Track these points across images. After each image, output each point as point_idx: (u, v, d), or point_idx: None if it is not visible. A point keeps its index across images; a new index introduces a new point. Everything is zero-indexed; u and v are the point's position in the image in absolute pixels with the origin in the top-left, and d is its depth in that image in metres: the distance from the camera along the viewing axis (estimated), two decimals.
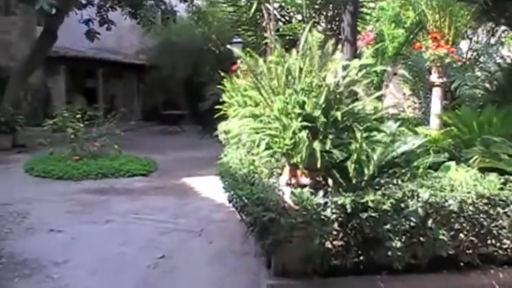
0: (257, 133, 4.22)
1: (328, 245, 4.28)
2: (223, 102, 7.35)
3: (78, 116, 11.73)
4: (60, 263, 5.38)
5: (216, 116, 7.63)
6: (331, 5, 11.77)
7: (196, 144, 15.97)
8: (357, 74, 4.37)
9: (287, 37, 11.51)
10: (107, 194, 8.83)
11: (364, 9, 12.24)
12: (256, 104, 4.52)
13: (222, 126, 7.41)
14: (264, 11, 11.21)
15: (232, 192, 4.56)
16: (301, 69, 4.28)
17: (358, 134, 4.09)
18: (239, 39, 13.72)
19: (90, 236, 6.41)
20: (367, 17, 12.85)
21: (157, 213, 7.53)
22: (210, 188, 8.56)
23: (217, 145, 8.22)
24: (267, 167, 5.19)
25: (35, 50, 16.03)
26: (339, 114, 4.06)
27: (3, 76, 15.81)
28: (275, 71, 4.44)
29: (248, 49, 5.86)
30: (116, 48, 24.18)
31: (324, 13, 12.10)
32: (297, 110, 4.06)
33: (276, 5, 12.45)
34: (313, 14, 11.84)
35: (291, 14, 13.23)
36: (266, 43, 11.36)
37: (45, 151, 12.03)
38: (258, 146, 4.18)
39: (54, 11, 12.57)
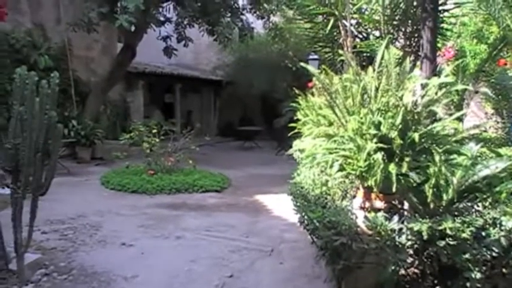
0: (331, 153, 4.08)
1: (402, 272, 4.07)
2: (298, 119, 7.23)
3: (154, 130, 11.90)
4: (129, 277, 5.39)
5: (291, 133, 7.54)
6: (410, 21, 11.47)
7: (270, 160, 15.93)
8: (436, 93, 4.17)
9: (364, 54, 11.30)
10: (180, 209, 8.85)
11: (444, 25, 11.86)
12: (330, 124, 4.40)
13: (296, 144, 7.30)
14: (341, 28, 11.02)
15: (303, 214, 4.43)
16: (377, 88, 4.13)
17: (437, 157, 3.88)
18: (316, 56, 13.60)
19: (160, 251, 6.42)
20: (448, 33, 12.45)
21: (228, 230, 7.47)
22: (282, 206, 8.45)
23: (292, 162, 8.10)
24: (340, 188, 5.04)
25: (115, 65, 16.49)
26: (416, 135, 3.87)
27: (84, 91, 16.33)
28: (350, 90, 4.30)
29: (324, 66, 5.74)
30: (194, 64, 24.63)
31: (403, 29, 11.80)
32: (372, 131, 3.90)
33: (353, 21, 12.25)
34: (391, 30, 11.56)
35: (369, 30, 13.00)
36: (343, 60, 11.20)
37: (121, 164, 12.28)
38: (331, 167, 4.04)
39: (133, 28, 12.89)
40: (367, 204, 4.17)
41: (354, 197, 4.58)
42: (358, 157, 3.92)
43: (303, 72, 18.03)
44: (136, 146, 12.30)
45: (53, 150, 4.97)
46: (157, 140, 11.70)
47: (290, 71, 20.26)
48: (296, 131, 7.10)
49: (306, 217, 4.36)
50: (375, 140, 3.87)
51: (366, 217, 3.97)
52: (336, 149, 4.09)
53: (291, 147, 8.28)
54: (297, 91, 8.02)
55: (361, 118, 4.00)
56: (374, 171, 3.84)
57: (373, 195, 4.14)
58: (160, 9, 15.69)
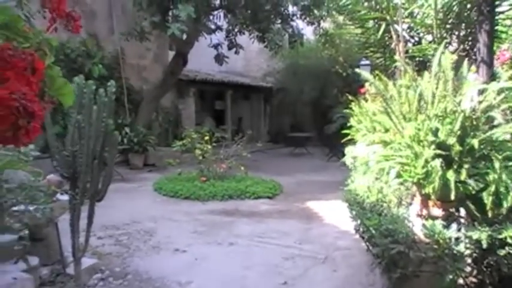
0: (387, 160, 4.03)
1: (460, 282, 3.98)
2: (351, 126, 7.17)
3: (207, 137, 12.00)
4: (183, 283, 5.44)
5: (342, 139, 7.49)
6: (463, 24, 11.23)
7: (321, 167, 15.86)
8: (494, 98, 4.06)
9: (416, 59, 11.13)
10: (232, 216, 8.89)
11: (499, 27, 11.56)
12: (386, 130, 4.33)
13: (349, 150, 7.23)
14: (393, 33, 10.88)
15: (359, 222, 4.39)
16: (434, 94, 4.05)
17: (497, 164, 3.78)
18: (367, 62, 13.48)
19: (213, 257, 6.45)
20: (503, 35, 12.14)
21: (281, 237, 7.45)
22: (334, 213, 8.40)
23: (343, 169, 8.03)
24: (396, 195, 4.96)
25: (167, 73, 16.74)
26: (475, 142, 3.78)
27: (137, 98, 16.63)
28: (406, 96, 4.24)
29: (377, 72, 5.68)
30: (244, 71, 24.77)
31: (456, 33, 11.57)
32: (430, 138, 3.83)
33: (405, 25, 12.08)
34: (444, 34, 11.36)
35: (421, 34, 12.80)
36: (395, 65, 11.05)
37: (173, 171, 12.44)
38: (388, 174, 3.99)
39: (184, 36, 13.06)
40: (425, 212, 4.09)
41: (410, 204, 4.50)
42: (415, 164, 3.86)
43: (354, 78, 17.93)
44: (188, 153, 12.43)
45: (109, 157, 5.06)
46: (209, 146, 11.79)
47: (340, 76, 20.17)
48: (349, 137, 7.04)
49: (362, 225, 4.31)
50: (432, 146, 3.80)
51: (423, 225, 3.90)
52: (392, 155, 4.03)
53: (342, 153, 8.23)
54: (349, 97, 7.94)
55: (418, 124, 3.94)
56: (432, 178, 3.77)
57: (430, 203, 4.05)
58: (211, 17, 15.85)
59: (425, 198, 4.07)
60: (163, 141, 16.66)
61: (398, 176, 4.00)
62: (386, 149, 4.16)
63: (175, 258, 6.39)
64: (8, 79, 0.97)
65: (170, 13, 13.83)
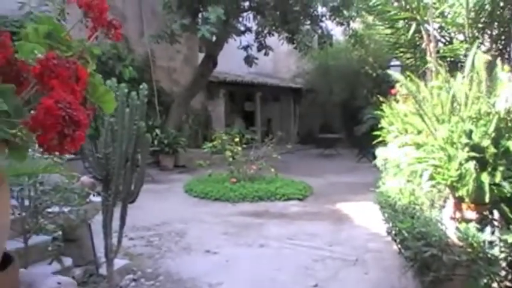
0: (419, 163, 3.99)
1: (494, 286, 3.92)
2: (382, 127, 7.12)
3: (237, 139, 12.02)
4: (214, 284, 5.46)
5: (373, 140, 7.44)
6: (496, 23, 11.06)
7: (351, 168, 15.79)
8: None
9: (447, 59, 10.99)
10: (262, 217, 8.90)
11: None
12: (419, 132, 4.29)
13: (380, 151, 7.18)
14: (423, 32, 10.76)
15: (391, 224, 4.36)
16: (467, 95, 4.00)
17: None
18: (397, 62, 13.37)
19: (244, 259, 6.46)
20: None
21: (311, 239, 7.43)
22: (365, 215, 8.35)
23: (373, 170, 7.99)
24: (428, 198, 4.91)
25: (196, 75, 16.84)
26: (510, 144, 3.73)
27: (167, 100, 16.75)
28: (439, 97, 4.20)
29: (408, 73, 5.63)
30: (273, 72, 24.77)
31: (489, 32, 11.41)
32: (464, 140, 3.78)
33: (436, 25, 11.94)
34: (476, 34, 11.20)
35: (452, 34, 12.64)
36: (426, 66, 10.94)
37: (204, 172, 12.50)
38: (420, 176, 3.95)
39: (214, 38, 13.13)
40: (458, 215, 4.04)
41: (443, 207, 4.46)
42: (448, 166, 3.81)
43: (384, 79, 17.77)
44: (217, 154, 12.48)
45: (141, 159, 5.11)
46: (239, 148, 11.82)
47: (370, 77, 20.05)
48: (380, 139, 7.00)
49: (394, 227, 4.28)
50: (466, 149, 3.75)
51: (457, 228, 3.86)
52: (425, 158, 3.99)
53: (372, 154, 8.18)
54: (380, 98, 7.89)
55: (452, 126, 3.89)
56: (466, 181, 3.72)
57: (464, 206, 4.00)
58: (240, 19, 15.90)
59: (459, 200, 4.02)
60: (193, 143, 16.77)
61: (431, 178, 3.96)
62: (419, 151, 4.12)
63: (206, 260, 6.42)
64: (53, 88, 1.00)
65: (200, 15, 13.92)
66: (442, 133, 3.90)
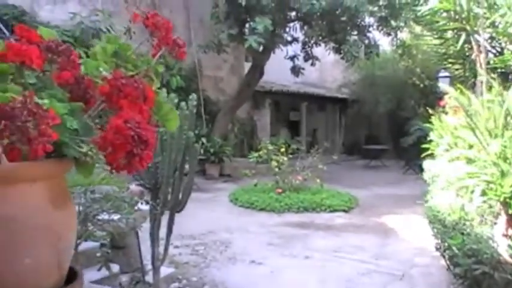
0: (471, 178, 3.91)
1: None
2: (430, 140, 7.00)
3: (283, 149, 12.02)
4: None
5: (420, 152, 7.34)
6: None
7: (397, 180, 15.60)
8: None
9: (498, 70, 10.76)
10: (308, 229, 8.86)
11: None
12: (470, 146, 4.21)
13: (428, 164, 7.08)
14: (473, 43, 10.57)
15: (440, 240, 4.28)
16: None
17: None
18: (446, 73, 13.18)
19: (289, 270, 6.44)
20: None
21: (357, 252, 7.36)
22: (411, 228, 8.24)
23: (420, 182, 7.88)
24: (479, 213, 4.81)
25: (243, 85, 16.92)
26: None
27: (213, 109, 16.88)
28: (491, 111, 4.11)
29: (459, 85, 5.55)
30: (319, 82, 24.70)
31: None
32: None
33: (487, 35, 11.71)
34: None
35: (503, 44, 12.38)
36: (475, 77, 10.73)
37: (249, 182, 12.53)
38: (472, 191, 3.87)
39: (261, 48, 13.19)
40: (511, 232, 3.94)
41: (495, 223, 4.36)
42: (501, 182, 3.73)
43: (431, 90, 17.50)
44: (262, 164, 12.50)
45: (190, 169, 5.16)
46: (285, 158, 11.81)
47: (417, 88, 19.82)
48: (429, 152, 6.89)
49: (443, 243, 4.21)
50: None
51: (509, 245, 3.77)
52: (477, 173, 3.91)
53: (419, 166, 8.06)
54: (428, 110, 7.78)
55: (505, 141, 3.80)
56: None
57: None
58: (287, 29, 15.93)
59: None
60: (238, 152, 16.84)
61: (483, 194, 3.88)
62: (470, 166, 4.04)
63: (251, 270, 6.43)
64: (122, 107, 1.02)
65: (247, 25, 14.01)
66: (495, 148, 3.81)
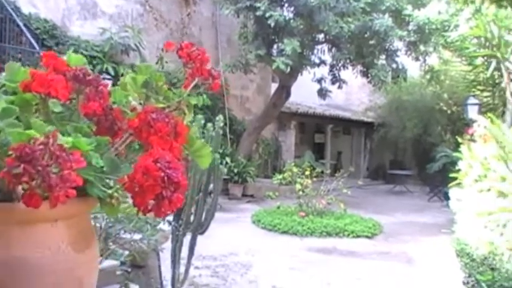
0: (503, 212, 3.80)
1: None
2: (458, 169, 6.87)
3: (307, 172, 11.94)
4: None
5: (445, 179, 7.22)
6: None
7: (422, 207, 15.37)
8: None
9: None
10: (330, 254, 8.74)
11: None
12: (503, 179, 4.10)
13: (455, 193, 6.94)
14: (504, 70, 10.45)
15: (468, 274, 4.16)
16: None
17: None
18: (474, 100, 13.02)
19: None
20: None
21: (381, 280, 7.22)
22: (437, 259, 8.06)
23: (445, 210, 7.73)
24: (508, 247, 4.67)
25: (269, 105, 16.93)
26: None
27: (238, 129, 16.89)
28: None
29: (490, 114, 5.44)
30: (345, 104, 24.64)
31: None
32: None
33: None
34: None
35: None
36: (504, 105, 10.60)
37: (272, 203, 12.45)
38: (504, 226, 3.76)
39: (289, 69, 13.19)
40: None
41: None
42: None
43: (459, 116, 17.31)
44: (285, 186, 12.42)
45: (214, 191, 5.12)
46: (309, 181, 11.71)
47: (445, 114, 19.62)
48: (456, 181, 6.75)
49: (471, 277, 4.09)
50: None
51: None
52: (510, 208, 3.80)
53: (445, 194, 7.91)
54: (457, 138, 7.65)
55: None
56: None
57: None
58: (315, 51, 15.92)
59: None
60: (262, 173, 16.79)
61: None
62: (502, 199, 3.93)
63: None
64: (151, 144, 0.97)
65: (275, 46, 14.04)
66: None
